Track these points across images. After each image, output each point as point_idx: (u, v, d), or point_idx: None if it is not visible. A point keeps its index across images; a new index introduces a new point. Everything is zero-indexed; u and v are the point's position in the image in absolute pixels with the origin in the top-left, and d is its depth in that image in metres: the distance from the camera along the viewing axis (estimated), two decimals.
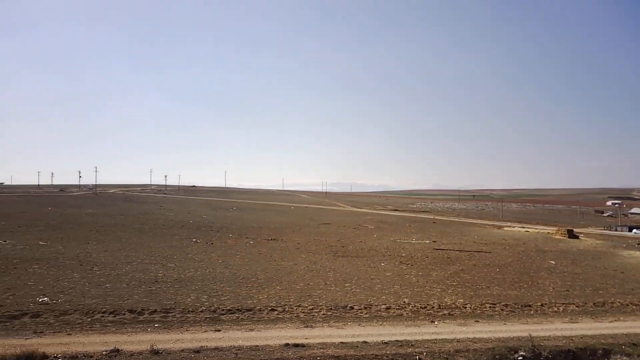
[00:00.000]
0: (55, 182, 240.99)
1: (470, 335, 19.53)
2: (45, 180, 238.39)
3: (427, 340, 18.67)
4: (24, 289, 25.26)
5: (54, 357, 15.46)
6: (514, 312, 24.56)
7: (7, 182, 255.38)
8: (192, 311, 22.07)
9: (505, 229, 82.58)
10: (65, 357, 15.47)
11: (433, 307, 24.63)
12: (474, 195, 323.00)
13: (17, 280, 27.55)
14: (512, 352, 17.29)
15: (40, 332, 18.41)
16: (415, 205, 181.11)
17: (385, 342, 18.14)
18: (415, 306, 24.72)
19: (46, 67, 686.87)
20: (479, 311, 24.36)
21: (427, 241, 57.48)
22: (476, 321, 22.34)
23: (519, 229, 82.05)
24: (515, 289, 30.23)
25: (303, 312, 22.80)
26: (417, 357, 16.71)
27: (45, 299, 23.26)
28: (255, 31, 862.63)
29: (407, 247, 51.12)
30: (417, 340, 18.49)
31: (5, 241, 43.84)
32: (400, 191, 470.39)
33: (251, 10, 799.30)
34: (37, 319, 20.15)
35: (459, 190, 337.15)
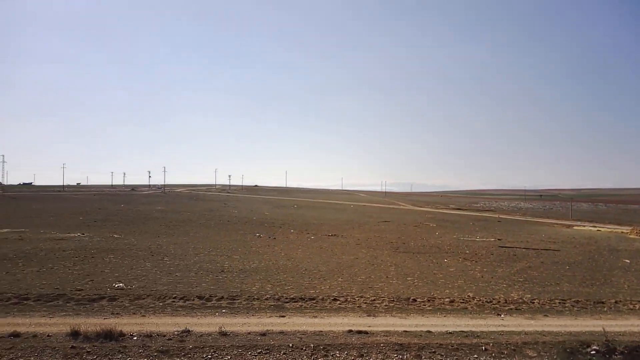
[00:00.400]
0: (127, 182, 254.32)
1: (539, 329, 18.89)
2: (117, 180, 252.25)
3: (493, 332, 18.26)
4: (101, 276, 26.89)
5: (130, 335, 16.44)
6: (586, 308, 23.47)
7: (83, 183, 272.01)
8: (257, 299, 22.69)
9: (575, 227, 78.84)
10: (140, 335, 16.41)
11: (499, 302, 23.98)
12: (540, 195, 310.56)
13: (95, 268, 29.36)
14: (584, 346, 16.59)
15: (117, 314, 19.56)
16: (479, 205, 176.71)
17: (450, 332, 17.92)
18: (480, 300, 24.18)
19: (117, 73, 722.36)
20: (547, 307, 23.46)
21: (492, 239, 55.90)
22: (545, 315, 21.56)
23: (590, 228, 78.06)
24: (586, 286, 28.88)
25: (365, 303, 22.85)
26: (483, 347, 16.40)
27: (121, 284, 24.66)
28: (314, 32, 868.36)
29: (470, 244, 49.94)
30: (482, 332, 18.13)
31: (83, 234, 46.84)
32: (462, 191, 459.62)
33: (308, 14, 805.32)
34: (114, 302, 21.39)
35: (525, 190, 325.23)
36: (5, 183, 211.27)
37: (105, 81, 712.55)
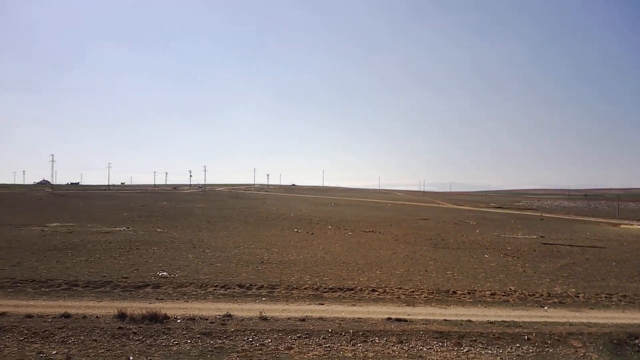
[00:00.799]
0: (169, 182, 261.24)
1: (585, 320, 18.39)
2: (160, 180, 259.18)
3: (536, 322, 17.90)
4: (145, 265, 27.75)
5: (174, 318, 16.96)
6: (634, 302, 22.63)
7: (127, 182, 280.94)
8: (296, 288, 22.96)
9: (622, 226, 75.97)
10: (184, 318, 16.90)
11: (542, 295, 23.41)
12: (585, 195, 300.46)
13: (140, 258, 30.32)
14: (632, 338, 16.08)
15: (161, 299, 20.20)
16: (520, 203, 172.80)
17: (491, 322, 17.68)
18: (522, 293, 23.67)
19: (165, 78, 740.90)
20: (593, 301, 22.76)
21: (534, 236, 54.57)
22: (590, 309, 20.94)
23: (639, 227, 75.11)
24: (635, 282, 27.86)
25: (404, 294, 22.75)
26: (526, 337, 16.11)
27: (165, 273, 25.40)
28: (353, 31, 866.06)
29: (512, 241, 48.90)
30: (525, 322, 17.81)
31: (128, 228, 48.44)
32: (503, 190, 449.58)
33: (345, 11, 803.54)
34: (158, 290, 22.06)
35: (568, 190, 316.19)
36: (54, 183, 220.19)
37: (148, 84, 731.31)
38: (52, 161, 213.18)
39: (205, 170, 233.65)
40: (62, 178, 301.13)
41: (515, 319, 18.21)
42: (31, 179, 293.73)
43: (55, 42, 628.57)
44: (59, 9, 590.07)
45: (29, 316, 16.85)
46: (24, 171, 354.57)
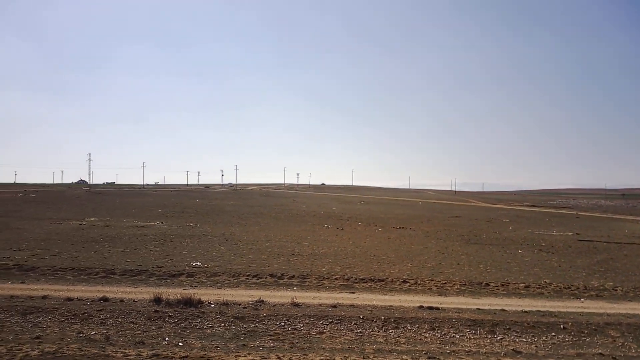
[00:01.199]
0: (202, 181, 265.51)
1: (623, 312, 17.94)
2: (192, 179, 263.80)
3: (573, 312, 17.55)
4: (180, 256, 28.31)
5: (208, 302, 17.31)
6: None
7: (160, 182, 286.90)
8: (327, 278, 23.06)
9: None
10: (217, 303, 17.23)
11: (578, 288, 22.89)
12: (623, 194, 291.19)
13: (174, 249, 30.96)
14: None
15: (195, 287, 20.61)
16: (555, 202, 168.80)
17: (526, 311, 17.43)
18: (557, 286, 23.18)
19: (194, 78, 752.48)
20: (632, 294, 22.13)
21: (570, 233, 53.29)
22: (629, 301, 20.39)
23: None
24: None
25: (436, 286, 22.58)
26: (562, 326, 15.82)
27: (198, 263, 25.88)
28: (378, 32, 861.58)
29: (546, 238, 47.89)
30: (560, 312, 17.48)
31: (162, 223, 49.50)
32: (537, 190, 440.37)
33: (369, 15, 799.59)
34: (192, 278, 22.52)
35: (605, 190, 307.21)
36: (90, 182, 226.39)
37: (180, 86, 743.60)
38: (89, 160, 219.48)
39: (236, 169, 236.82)
40: (98, 178, 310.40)
41: (551, 309, 17.89)
42: (69, 178, 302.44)
43: (89, 43, 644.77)
44: (91, 11, 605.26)
45: (69, 299, 17.46)
46: (62, 171, 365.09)
